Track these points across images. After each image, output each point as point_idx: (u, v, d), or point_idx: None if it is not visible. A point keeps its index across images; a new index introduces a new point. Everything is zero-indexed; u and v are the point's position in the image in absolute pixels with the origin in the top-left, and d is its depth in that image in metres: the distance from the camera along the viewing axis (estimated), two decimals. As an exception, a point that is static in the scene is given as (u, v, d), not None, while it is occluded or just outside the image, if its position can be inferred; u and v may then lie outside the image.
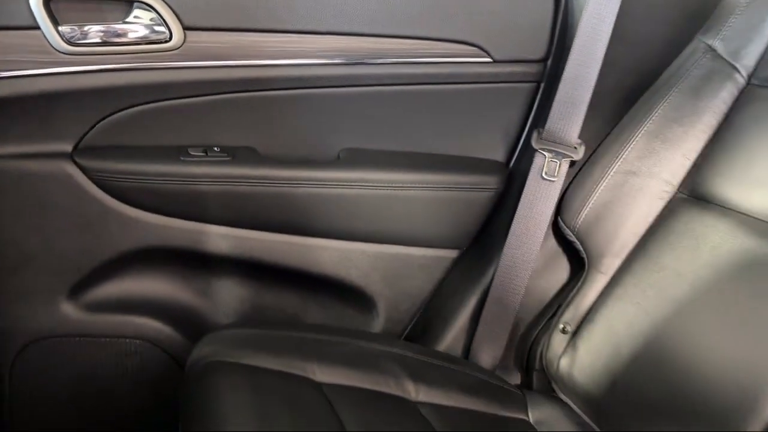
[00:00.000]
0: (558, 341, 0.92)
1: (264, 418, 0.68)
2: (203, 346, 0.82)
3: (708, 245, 0.80)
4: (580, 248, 0.95)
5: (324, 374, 0.82)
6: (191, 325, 0.96)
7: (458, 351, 1.06)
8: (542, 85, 1.04)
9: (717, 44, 0.93)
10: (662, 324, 0.79)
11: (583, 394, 0.86)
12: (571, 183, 0.99)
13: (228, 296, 1.01)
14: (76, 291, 0.92)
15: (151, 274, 0.97)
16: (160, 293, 0.98)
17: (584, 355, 0.87)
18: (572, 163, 0.99)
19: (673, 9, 0.99)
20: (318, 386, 0.80)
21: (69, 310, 0.92)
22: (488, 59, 1.01)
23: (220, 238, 0.96)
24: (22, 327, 0.91)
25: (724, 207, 0.82)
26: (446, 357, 1.01)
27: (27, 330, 0.91)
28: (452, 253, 1.08)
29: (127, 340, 0.94)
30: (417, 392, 0.87)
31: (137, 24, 0.85)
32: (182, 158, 0.92)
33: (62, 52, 0.83)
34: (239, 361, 0.78)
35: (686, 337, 0.76)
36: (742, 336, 0.70)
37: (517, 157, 1.07)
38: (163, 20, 0.86)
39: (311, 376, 0.81)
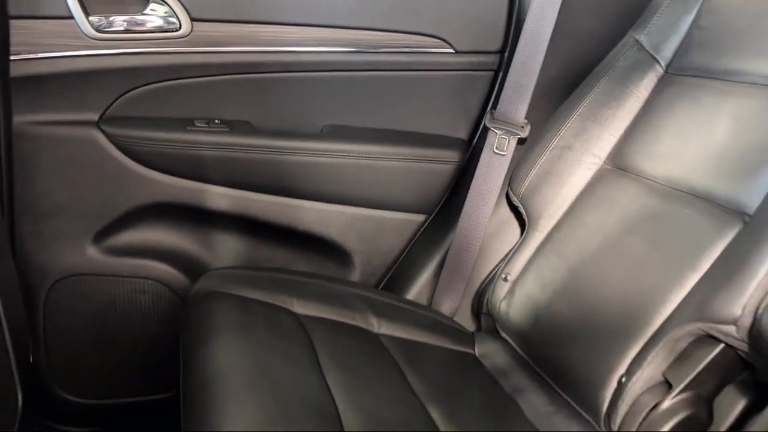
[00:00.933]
0: (500, 288, 1.09)
1: (246, 330, 0.86)
2: (203, 281, 1.00)
3: (619, 205, 0.96)
4: (523, 212, 1.12)
5: (302, 307, 1.00)
6: (194, 269, 1.14)
7: (423, 300, 1.23)
8: (500, 73, 1.20)
9: (643, 39, 1.09)
10: (578, 269, 0.96)
11: (517, 331, 1.03)
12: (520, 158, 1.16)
13: (226, 247, 1.19)
14: (99, 237, 1.10)
15: (161, 226, 1.15)
16: (169, 242, 1.16)
17: (518, 299, 1.04)
18: (521, 141, 1.16)
19: (609, 8, 1.16)
20: (296, 316, 0.97)
21: (93, 252, 1.10)
22: (451, 50, 1.17)
23: (219, 196, 1.14)
24: (55, 265, 1.09)
25: (637, 175, 0.98)
26: (409, 302, 1.18)
27: (58, 268, 1.09)
28: (420, 218, 1.25)
29: (140, 280, 1.13)
30: (379, 326, 1.04)
31: (153, 15, 1.03)
32: (188, 128, 1.09)
33: (91, 38, 1.01)
34: (231, 292, 0.96)
35: (594, 278, 0.93)
36: (636, 273, 0.87)
37: (477, 136, 1.24)
38: (174, 13, 1.03)
39: (290, 308, 0.98)
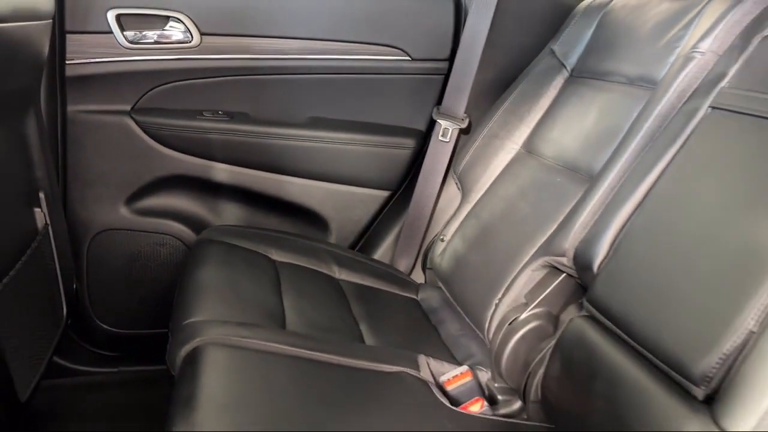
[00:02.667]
0: (438, 247, 1.36)
1: (227, 262, 1.16)
2: (204, 234, 1.31)
3: (520, 179, 1.23)
4: (460, 187, 1.39)
5: (278, 255, 1.29)
6: (202, 227, 1.45)
7: (387, 260, 1.51)
8: (447, 76, 1.48)
9: (556, 48, 1.35)
10: (485, 227, 1.23)
11: (446, 278, 1.31)
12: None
13: (227, 211, 1.50)
14: (129, 200, 1.43)
15: (177, 193, 1.46)
16: (182, 206, 1.47)
17: (448, 254, 1.31)
18: (463, 131, 1.43)
19: (534, 24, 1.42)
20: (272, 261, 1.27)
21: (124, 212, 1.43)
22: (408, 58, 1.46)
23: (222, 171, 1.45)
24: (95, 222, 1.42)
25: (537, 156, 1.25)
26: (371, 259, 1.47)
27: (98, 224, 1.42)
28: (384, 193, 1.53)
29: (160, 235, 1.45)
30: (340, 273, 1.33)
31: (172, 31, 1.35)
32: (198, 117, 1.41)
33: (125, 48, 1.34)
34: (222, 240, 1.27)
35: (492, 232, 1.19)
36: (519, 227, 1.13)
37: (430, 127, 1.51)
38: (188, 29, 1.35)
39: (269, 255, 1.28)
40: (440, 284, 1.36)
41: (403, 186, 1.53)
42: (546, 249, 1.02)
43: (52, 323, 1.17)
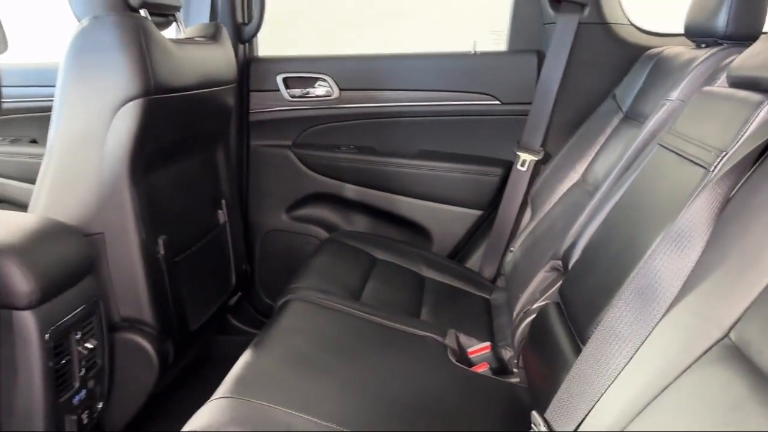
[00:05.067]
0: (508, 257, 1.66)
1: (335, 254, 1.60)
2: (330, 236, 1.78)
3: (567, 199, 1.49)
4: (530, 206, 1.67)
5: (380, 254, 1.70)
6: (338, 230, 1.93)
7: (476, 268, 1.84)
8: (529, 117, 1.77)
9: (617, 92, 1.58)
10: (534, 239, 1.50)
11: (507, 282, 1.60)
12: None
13: (355, 221, 1.96)
14: (288, 210, 1.96)
15: (319, 206, 1.96)
16: (323, 215, 1.96)
17: (511, 262, 1.60)
18: (538, 162, 1.72)
19: (604, 71, 1.66)
20: (373, 257, 1.68)
21: (284, 218, 1.96)
22: (498, 102, 1.79)
23: (352, 190, 1.91)
24: (264, 224, 1.97)
25: (585, 182, 1.49)
26: (458, 264, 1.81)
27: (267, 225, 1.97)
28: (477, 212, 1.86)
29: (307, 237, 1.96)
30: (427, 272, 1.69)
31: (320, 88, 1.86)
32: (336, 150, 1.90)
33: (288, 101, 1.88)
34: (340, 240, 1.72)
35: (535, 241, 1.47)
36: (548, 235, 1.40)
37: (514, 158, 1.81)
38: (330, 86, 1.85)
39: (372, 254, 1.70)
40: (505, 285, 1.65)
41: (491, 206, 1.85)
42: (554, 255, 1.28)
43: (220, 288, 1.71)
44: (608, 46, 1.70)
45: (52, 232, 1.13)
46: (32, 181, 1.30)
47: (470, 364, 1.27)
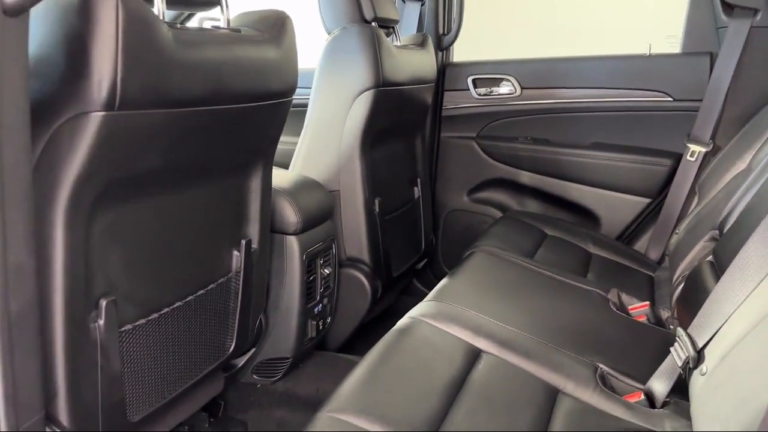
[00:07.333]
0: (674, 238, 1.81)
1: (507, 227, 1.88)
2: (505, 215, 2.06)
3: (729, 181, 1.63)
4: (698, 194, 1.82)
5: (550, 231, 1.94)
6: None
7: (642, 251, 2.00)
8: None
9: (789, 88, 1.68)
10: (697, 220, 1.66)
11: (671, 259, 1.76)
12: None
13: (527, 204, 2.21)
14: (469, 192, 2.27)
15: (497, 189, 2.24)
16: (500, 198, 2.23)
17: (678, 241, 1.76)
18: (707, 153, 1.85)
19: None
20: (544, 233, 1.93)
21: (466, 200, 2.26)
22: (670, 99, 1.95)
23: (527, 176, 2.17)
24: (449, 204, 2.30)
25: (749, 168, 1.62)
26: (624, 245, 1.99)
27: (450, 205, 2.29)
28: (645, 200, 2.03)
29: (483, 216, 2.24)
30: (594, 249, 1.90)
31: (504, 87, 2.16)
32: (514, 141, 2.18)
33: (476, 98, 2.19)
34: (514, 218, 1.99)
35: (696, 221, 1.63)
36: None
37: (683, 149, 1.95)
38: (514, 85, 2.14)
39: (544, 230, 1.95)
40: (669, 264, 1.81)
41: (660, 194, 2.01)
42: (713, 226, 1.45)
43: (413, 250, 2.06)
44: (779, 47, 1.79)
45: (309, 185, 1.55)
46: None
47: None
